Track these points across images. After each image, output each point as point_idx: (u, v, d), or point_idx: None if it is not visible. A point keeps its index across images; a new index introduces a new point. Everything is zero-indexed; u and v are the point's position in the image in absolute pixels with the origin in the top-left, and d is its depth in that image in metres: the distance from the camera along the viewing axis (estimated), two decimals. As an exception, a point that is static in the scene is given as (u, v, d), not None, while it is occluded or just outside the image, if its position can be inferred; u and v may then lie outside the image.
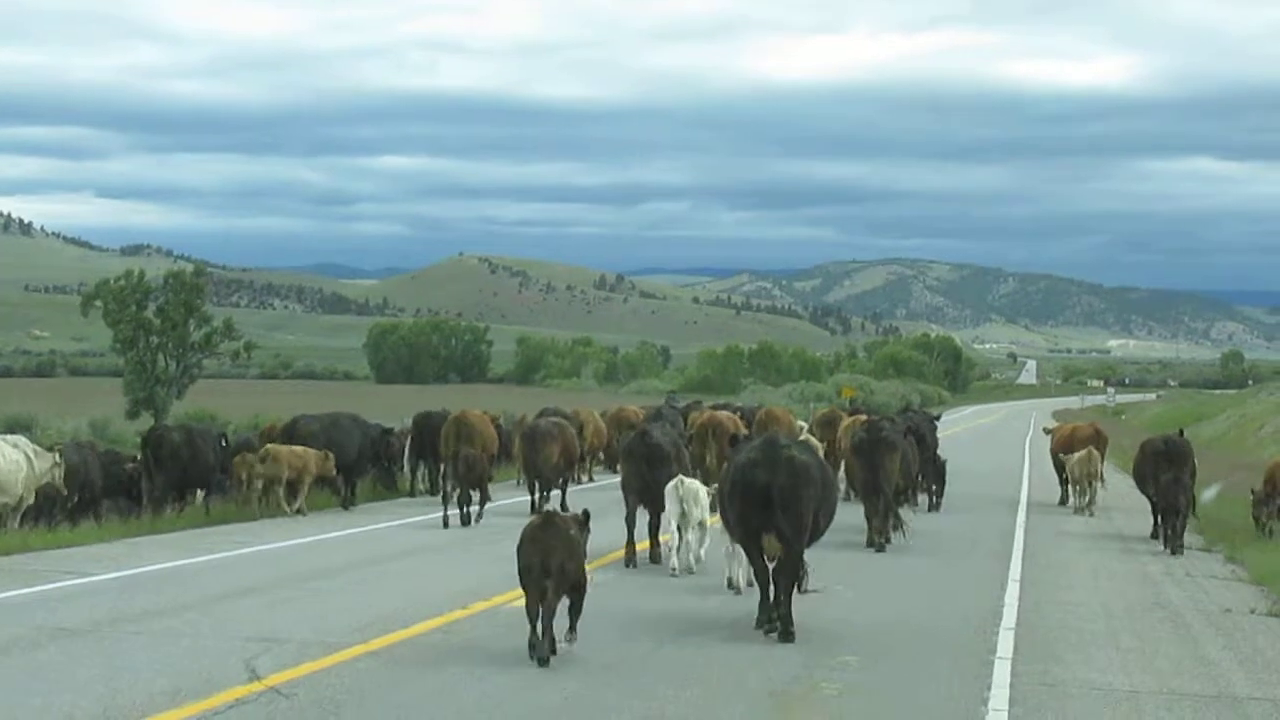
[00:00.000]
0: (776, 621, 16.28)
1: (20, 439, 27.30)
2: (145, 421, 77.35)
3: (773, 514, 16.29)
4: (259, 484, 29.26)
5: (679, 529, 21.03)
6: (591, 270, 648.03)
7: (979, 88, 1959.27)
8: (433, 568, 22.33)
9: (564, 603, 14.82)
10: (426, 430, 33.47)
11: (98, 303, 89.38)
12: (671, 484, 21.06)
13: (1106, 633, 17.23)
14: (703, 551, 21.37)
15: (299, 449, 30.04)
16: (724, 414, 36.56)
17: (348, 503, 31.48)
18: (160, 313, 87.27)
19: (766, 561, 16.66)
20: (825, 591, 17.46)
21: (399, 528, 28.11)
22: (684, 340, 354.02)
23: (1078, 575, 22.85)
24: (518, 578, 14.66)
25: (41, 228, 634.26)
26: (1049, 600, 19.71)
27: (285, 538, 25.50)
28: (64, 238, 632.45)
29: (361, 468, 33.34)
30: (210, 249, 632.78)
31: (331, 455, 30.35)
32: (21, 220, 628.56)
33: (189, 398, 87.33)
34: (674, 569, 21.00)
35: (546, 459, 30.04)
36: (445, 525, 27.64)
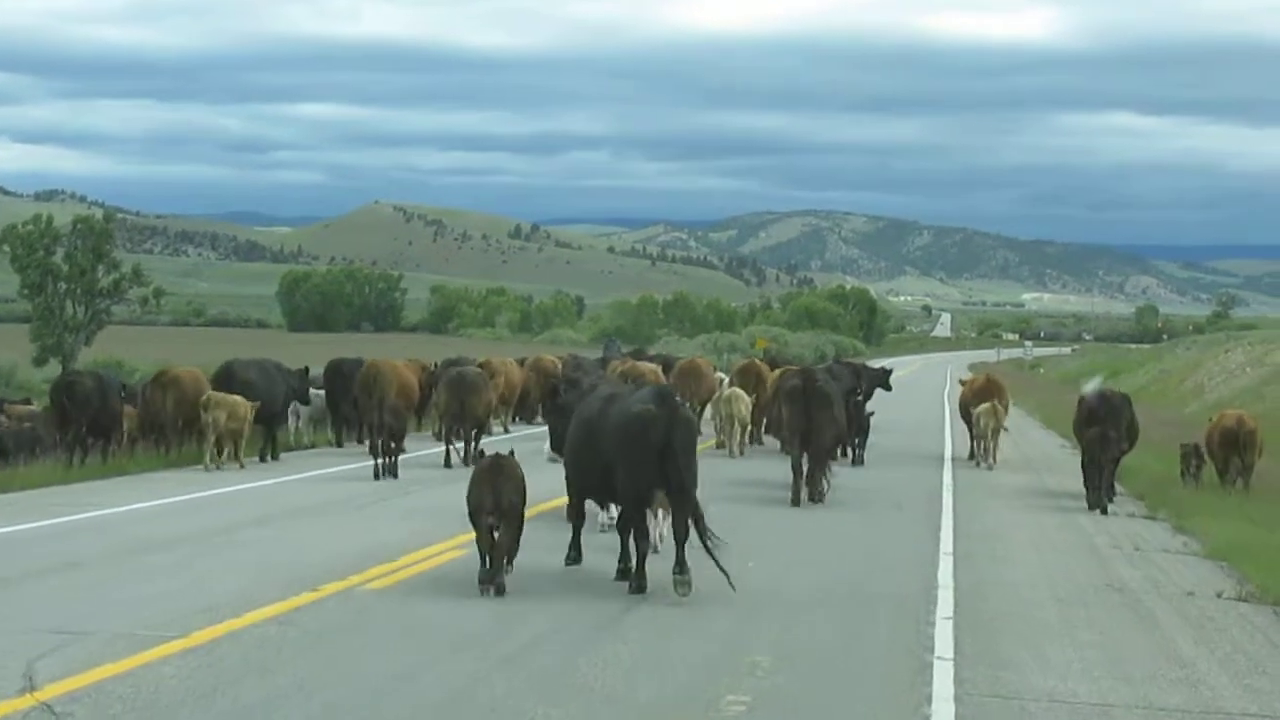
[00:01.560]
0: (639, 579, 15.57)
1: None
2: (53, 369, 75.80)
3: (672, 468, 15.30)
4: (212, 435, 27.48)
5: None
6: (507, 219, 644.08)
7: (900, 40, 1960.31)
8: (298, 535, 19.54)
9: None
10: (339, 379, 32.70)
11: (5, 247, 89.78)
12: None
13: (1060, 623, 14.74)
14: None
15: (236, 398, 28.13)
16: (645, 364, 36.00)
17: (270, 454, 30.01)
18: (68, 258, 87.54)
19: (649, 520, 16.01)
20: (728, 548, 15.13)
21: (285, 485, 25.71)
22: (599, 290, 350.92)
23: (1016, 547, 20.47)
24: (468, 517, 15.11)
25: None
26: (989, 580, 17.23)
27: (144, 499, 22.71)
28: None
29: (284, 417, 32.36)
30: (126, 195, 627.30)
31: (257, 405, 28.74)
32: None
33: (97, 345, 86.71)
34: (603, 524, 19.26)
35: (472, 408, 29.12)
36: (376, 476, 26.07)
